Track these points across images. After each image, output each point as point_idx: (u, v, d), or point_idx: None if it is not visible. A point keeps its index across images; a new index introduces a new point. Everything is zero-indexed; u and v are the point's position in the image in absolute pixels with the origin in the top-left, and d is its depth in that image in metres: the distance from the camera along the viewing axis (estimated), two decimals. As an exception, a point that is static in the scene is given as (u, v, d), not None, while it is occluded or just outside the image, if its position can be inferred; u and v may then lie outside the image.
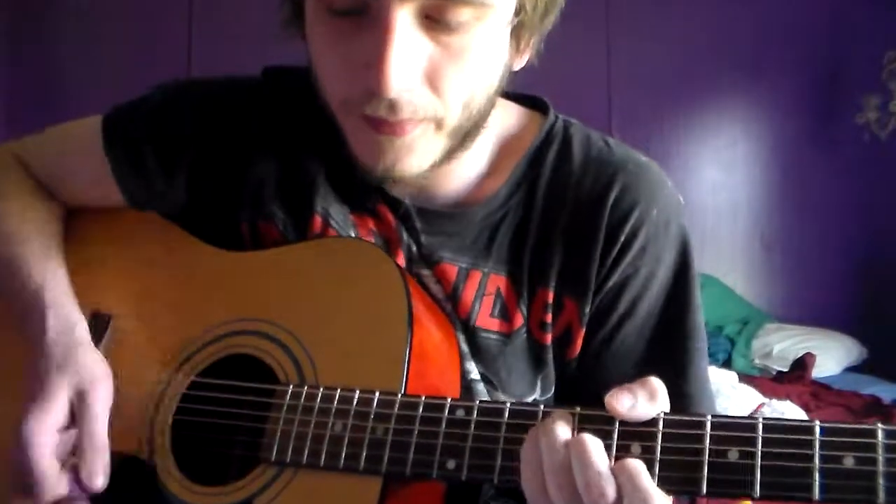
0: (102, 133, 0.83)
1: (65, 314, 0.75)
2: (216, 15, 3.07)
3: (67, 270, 0.80)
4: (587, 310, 0.75)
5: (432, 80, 0.64)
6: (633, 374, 0.73)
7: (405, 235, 0.77)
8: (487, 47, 0.65)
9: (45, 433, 0.68)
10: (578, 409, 0.59)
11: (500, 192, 0.77)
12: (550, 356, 0.76)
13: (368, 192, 0.78)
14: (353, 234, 0.78)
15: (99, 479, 0.69)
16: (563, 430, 0.57)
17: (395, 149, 0.67)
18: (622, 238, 0.74)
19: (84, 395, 0.70)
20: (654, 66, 3.34)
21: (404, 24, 0.61)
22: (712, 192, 3.49)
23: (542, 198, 0.77)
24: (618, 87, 3.39)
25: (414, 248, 0.77)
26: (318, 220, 0.77)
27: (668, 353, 0.76)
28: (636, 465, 0.54)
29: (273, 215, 0.79)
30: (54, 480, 0.68)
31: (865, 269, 3.45)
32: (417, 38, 0.62)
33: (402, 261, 0.77)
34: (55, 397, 0.70)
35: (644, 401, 0.57)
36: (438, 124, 0.67)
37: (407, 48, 0.61)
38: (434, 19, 0.62)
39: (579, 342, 0.76)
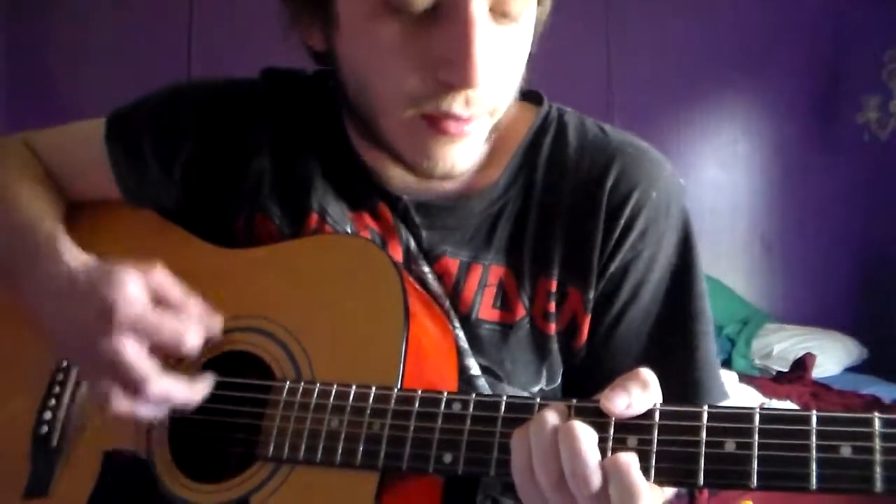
0: (105, 128, 0.84)
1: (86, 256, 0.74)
2: (216, 15, 3.08)
3: None
4: (591, 296, 0.75)
5: (499, 71, 0.66)
6: (640, 360, 0.73)
7: (404, 232, 0.77)
8: (530, 36, 0.68)
9: (144, 296, 0.67)
10: (574, 401, 0.59)
11: (498, 182, 0.77)
12: (555, 346, 0.76)
13: (366, 189, 0.78)
14: (349, 231, 0.78)
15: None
16: (553, 418, 0.56)
17: (454, 149, 0.68)
18: (622, 221, 0.74)
19: (157, 276, 0.70)
20: (655, 66, 3.35)
21: (482, 17, 0.62)
22: (712, 191, 3.49)
23: (540, 186, 0.77)
24: (618, 87, 3.39)
25: (413, 245, 0.77)
26: (314, 217, 0.78)
27: (675, 339, 0.75)
28: (626, 459, 0.54)
29: (269, 211, 0.79)
30: (183, 326, 0.68)
31: (865, 268, 3.45)
32: (492, 29, 0.63)
33: (399, 257, 0.76)
34: (133, 276, 0.68)
35: (639, 395, 0.56)
36: (492, 113, 0.68)
37: (487, 40, 0.62)
38: (497, 11, 0.63)
39: (585, 330, 0.76)
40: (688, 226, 0.78)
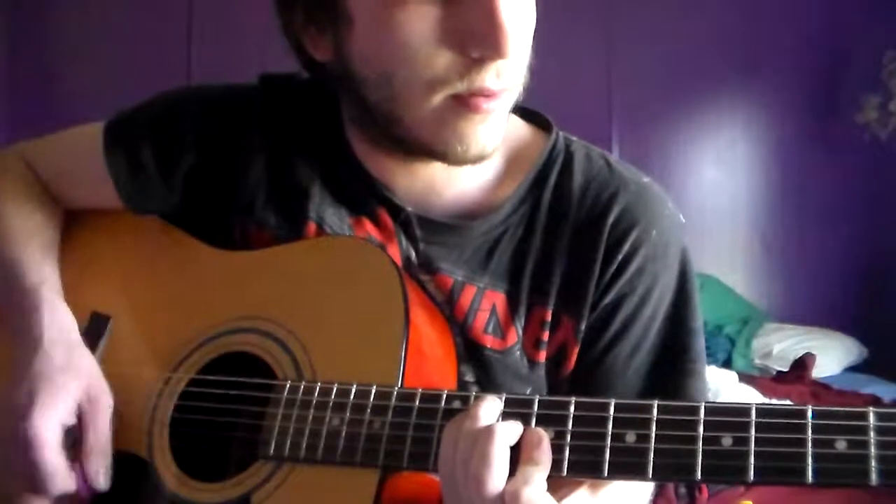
0: (103, 136, 0.83)
1: (60, 316, 0.76)
2: (216, 15, 3.08)
3: (64, 273, 0.81)
4: (582, 326, 0.75)
5: (524, 39, 0.67)
6: (625, 393, 0.74)
7: (404, 241, 0.77)
8: (534, 4, 0.69)
9: (54, 430, 0.69)
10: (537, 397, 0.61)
11: (502, 208, 0.77)
12: (542, 372, 0.76)
13: (366, 194, 0.78)
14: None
15: (105, 478, 0.71)
16: (486, 416, 0.59)
17: (483, 128, 0.68)
18: (620, 257, 0.75)
19: (95, 399, 0.72)
20: (655, 66, 3.34)
21: None
22: (712, 192, 3.49)
23: (544, 216, 0.77)
24: (618, 87, 3.39)
25: (413, 255, 0.77)
26: (311, 226, 0.78)
27: (663, 374, 0.76)
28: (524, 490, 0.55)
29: (265, 222, 0.79)
30: (63, 476, 0.69)
31: (865, 268, 3.45)
32: None
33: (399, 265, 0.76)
34: (64, 396, 0.70)
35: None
36: (513, 88, 0.69)
37: (511, 8, 0.63)
38: None
39: (573, 359, 0.76)
40: (685, 265, 0.78)
